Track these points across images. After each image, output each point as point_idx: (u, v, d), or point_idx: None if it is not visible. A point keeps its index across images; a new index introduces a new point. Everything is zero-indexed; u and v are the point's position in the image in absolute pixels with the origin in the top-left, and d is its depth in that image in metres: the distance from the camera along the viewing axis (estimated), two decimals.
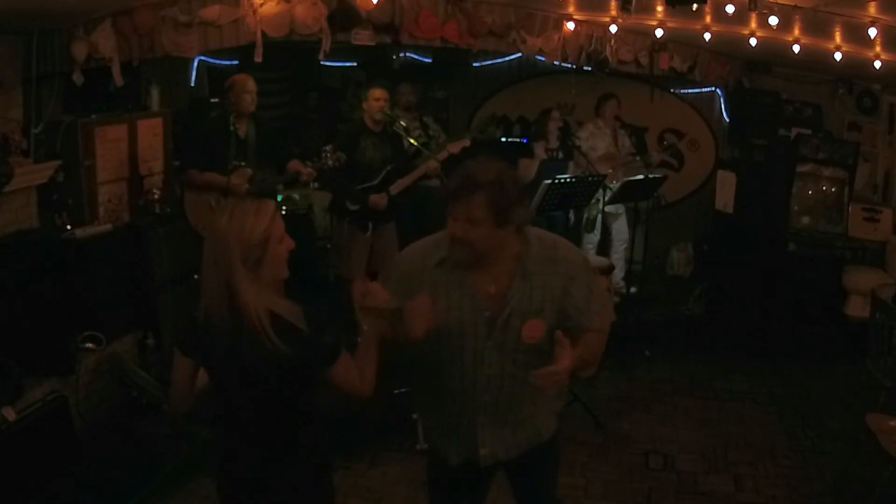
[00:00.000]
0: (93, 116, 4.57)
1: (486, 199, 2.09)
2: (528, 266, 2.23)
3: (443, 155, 5.32)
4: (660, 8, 4.89)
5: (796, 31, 4.80)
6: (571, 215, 6.14)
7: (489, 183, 2.09)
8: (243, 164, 4.85)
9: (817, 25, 4.48)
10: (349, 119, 5.32)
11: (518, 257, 2.24)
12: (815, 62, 5.55)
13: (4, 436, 3.43)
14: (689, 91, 7.08)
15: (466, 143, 5.45)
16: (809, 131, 6.56)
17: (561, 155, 6.00)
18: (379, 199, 5.07)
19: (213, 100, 6.25)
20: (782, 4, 4.24)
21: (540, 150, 5.92)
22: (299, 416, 2.18)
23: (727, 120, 7.09)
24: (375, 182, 5.09)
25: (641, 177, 5.80)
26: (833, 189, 6.31)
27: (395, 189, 5.16)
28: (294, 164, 4.91)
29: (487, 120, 7.61)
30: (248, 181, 4.78)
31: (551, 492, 2.71)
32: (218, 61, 6.13)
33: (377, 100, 5.07)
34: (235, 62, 6.04)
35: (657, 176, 5.96)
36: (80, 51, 4.12)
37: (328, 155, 4.76)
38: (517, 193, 2.15)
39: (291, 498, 2.20)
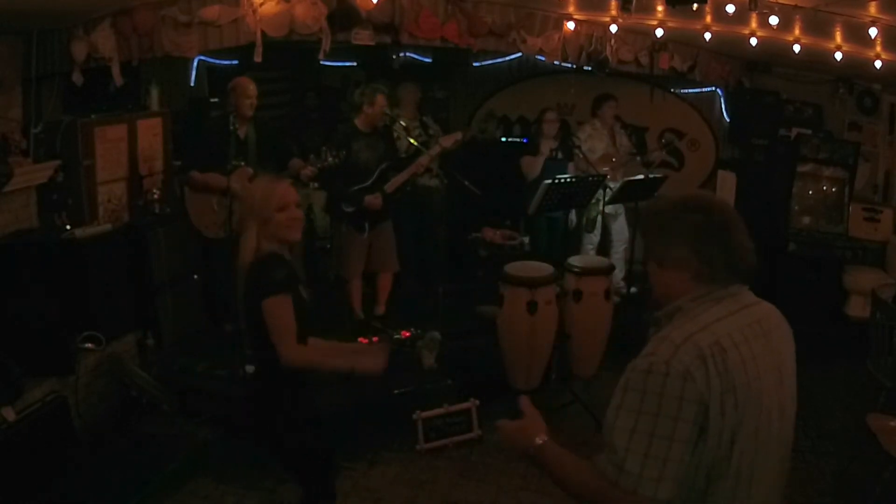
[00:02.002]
0: (92, 116, 4.57)
1: None
2: None
3: (435, 150, 5.32)
4: (660, 8, 4.89)
5: (797, 31, 4.80)
6: (573, 216, 6.14)
7: None
8: (243, 163, 4.86)
9: (818, 25, 4.48)
10: (349, 119, 5.32)
11: None
12: (816, 62, 5.55)
13: (4, 436, 3.43)
14: (690, 91, 7.07)
15: (458, 136, 5.45)
16: (810, 131, 6.56)
17: (560, 155, 5.99)
18: (373, 200, 5.07)
19: (212, 100, 6.24)
20: (783, 4, 4.24)
21: (545, 146, 5.92)
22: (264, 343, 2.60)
23: (727, 120, 7.08)
24: (369, 182, 5.09)
25: (642, 177, 5.80)
26: (833, 189, 6.30)
27: (390, 187, 5.16)
28: (295, 163, 4.92)
29: (486, 117, 7.62)
30: (249, 181, 4.78)
31: None
32: (218, 61, 6.12)
33: (383, 107, 5.11)
34: (235, 62, 6.04)
35: (657, 176, 5.95)
36: (79, 50, 4.12)
37: (327, 153, 4.78)
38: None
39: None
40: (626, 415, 1.56)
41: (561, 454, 1.71)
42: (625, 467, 1.54)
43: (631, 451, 1.54)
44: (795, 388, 1.77)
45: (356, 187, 5.07)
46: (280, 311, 2.56)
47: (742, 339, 1.63)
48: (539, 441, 1.74)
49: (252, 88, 4.88)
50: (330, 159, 4.76)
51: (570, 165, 6.00)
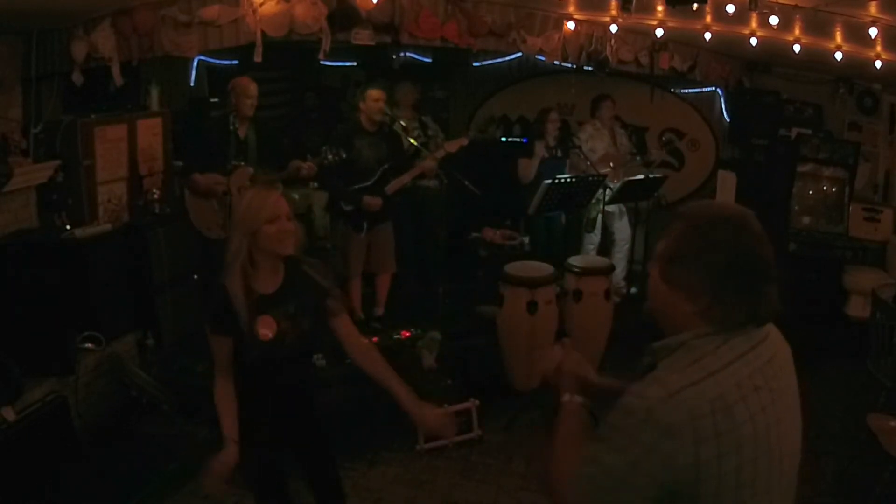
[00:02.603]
0: (92, 116, 4.57)
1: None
2: None
3: (440, 154, 5.31)
4: (660, 7, 4.89)
5: (797, 31, 4.79)
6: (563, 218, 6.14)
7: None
8: (244, 163, 4.86)
9: (818, 25, 4.47)
10: (348, 119, 5.31)
11: None
12: (816, 62, 5.54)
13: (4, 436, 3.43)
14: (690, 91, 7.07)
15: (464, 142, 5.44)
16: (810, 131, 6.56)
17: (559, 153, 5.99)
18: (372, 201, 5.05)
19: (212, 100, 6.25)
20: (783, 4, 4.24)
21: (540, 149, 5.92)
22: None
23: (727, 120, 7.08)
24: (370, 182, 5.08)
25: (642, 177, 5.80)
26: (833, 189, 6.30)
27: (391, 189, 5.15)
28: (295, 163, 4.92)
29: (488, 120, 7.61)
30: (250, 180, 4.79)
31: None
32: (218, 61, 6.12)
33: (376, 100, 5.06)
34: (235, 62, 6.04)
35: (657, 176, 5.96)
36: (79, 50, 4.12)
37: (327, 151, 4.78)
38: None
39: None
40: (595, 446, 1.43)
41: (575, 430, 1.62)
42: (576, 489, 1.44)
43: (585, 478, 1.42)
44: (800, 426, 1.56)
45: (356, 186, 5.06)
46: (213, 347, 2.56)
47: (752, 387, 1.41)
48: (567, 398, 1.70)
49: (252, 88, 4.88)
50: (330, 157, 4.75)
51: (567, 163, 6.00)
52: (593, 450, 1.42)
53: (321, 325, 2.63)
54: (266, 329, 2.50)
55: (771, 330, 1.55)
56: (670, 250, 1.50)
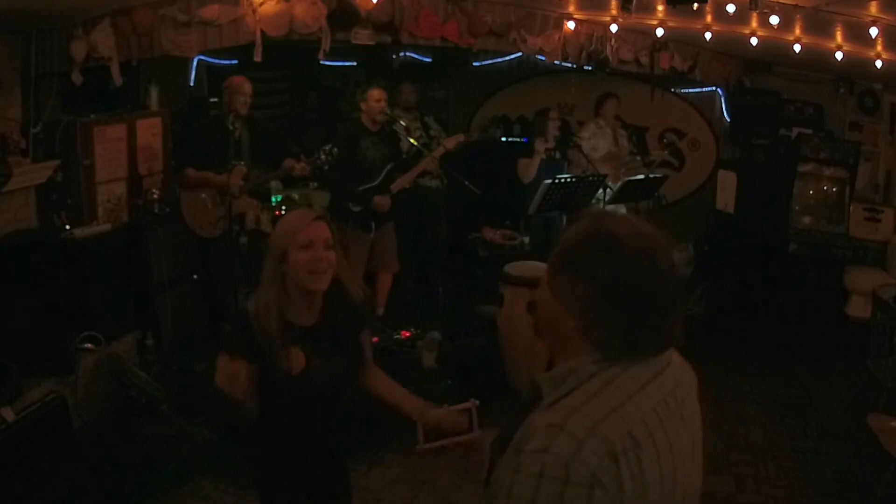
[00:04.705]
0: (92, 116, 4.56)
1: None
2: None
3: (439, 151, 5.31)
4: (660, 7, 4.88)
5: (797, 31, 4.79)
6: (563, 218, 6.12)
7: None
8: (241, 163, 4.86)
9: (818, 25, 4.47)
10: (349, 118, 5.31)
11: None
12: (816, 62, 5.54)
13: (3, 436, 3.42)
14: (690, 91, 7.06)
15: (461, 138, 5.45)
16: (810, 131, 6.55)
17: (558, 155, 5.98)
18: (382, 201, 5.07)
19: (212, 99, 6.24)
20: (783, 4, 4.23)
21: (540, 148, 5.91)
22: None
23: (728, 119, 7.07)
24: (377, 182, 5.09)
25: (642, 177, 5.79)
26: (834, 189, 6.29)
27: (395, 187, 5.17)
28: (288, 162, 4.92)
29: (489, 121, 7.60)
30: (244, 179, 4.79)
31: None
32: (217, 61, 6.11)
33: (377, 100, 5.06)
34: (235, 62, 6.03)
35: (658, 176, 5.95)
36: (78, 50, 4.12)
37: (321, 151, 4.78)
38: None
39: None
40: None
41: None
42: None
43: None
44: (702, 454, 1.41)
45: (364, 187, 5.06)
46: (219, 366, 2.17)
47: (657, 423, 1.25)
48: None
49: (246, 87, 4.88)
50: (322, 157, 4.75)
51: (565, 164, 5.99)
52: None
53: (355, 364, 2.38)
54: (293, 363, 2.23)
55: (674, 357, 1.39)
56: (561, 256, 1.33)
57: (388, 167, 5.12)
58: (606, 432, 1.18)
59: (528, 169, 5.85)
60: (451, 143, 5.36)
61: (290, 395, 2.24)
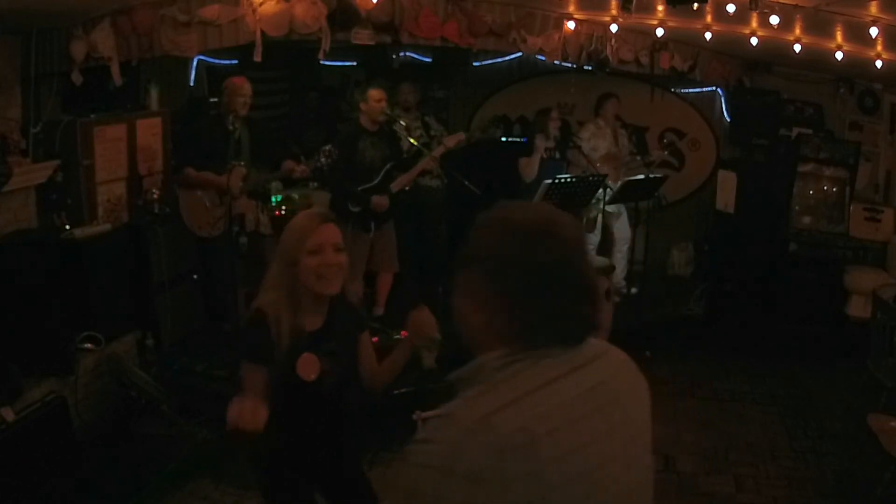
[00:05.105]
0: (92, 116, 4.56)
1: None
2: None
3: (439, 150, 5.31)
4: (660, 7, 4.88)
5: (797, 31, 4.79)
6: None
7: None
8: (241, 163, 4.86)
9: (818, 25, 4.47)
10: (349, 119, 5.30)
11: None
12: (817, 61, 5.54)
13: (3, 436, 3.41)
14: (690, 91, 7.06)
15: (461, 136, 5.44)
16: (810, 131, 6.55)
17: (558, 155, 5.97)
18: (381, 201, 5.06)
19: (212, 99, 6.24)
20: (783, 4, 4.23)
21: (540, 146, 5.90)
22: None
23: (728, 119, 7.07)
24: (375, 182, 5.08)
25: (642, 177, 5.79)
26: (834, 189, 6.29)
27: (395, 187, 5.16)
28: (288, 164, 4.92)
29: (489, 121, 7.60)
30: (243, 180, 4.79)
31: None
32: (217, 61, 6.11)
33: (377, 101, 5.06)
34: (235, 62, 6.03)
35: (658, 176, 5.95)
36: (78, 50, 4.12)
37: (321, 153, 4.78)
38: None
39: None
40: None
41: None
42: None
43: None
44: (651, 461, 1.32)
45: (363, 187, 5.06)
46: (246, 377, 2.19)
47: (566, 420, 1.16)
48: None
49: (246, 88, 4.88)
50: (323, 159, 4.75)
51: (565, 165, 5.98)
52: None
53: (358, 362, 2.42)
54: (308, 369, 2.24)
55: (612, 355, 1.34)
56: (463, 253, 1.28)
57: (387, 167, 5.12)
58: (496, 425, 1.12)
59: (529, 167, 5.85)
60: (451, 141, 5.35)
61: (307, 399, 2.26)
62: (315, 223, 2.23)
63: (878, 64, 4.94)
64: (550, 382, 1.19)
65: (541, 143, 5.87)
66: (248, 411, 1.98)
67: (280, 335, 2.19)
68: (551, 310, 1.21)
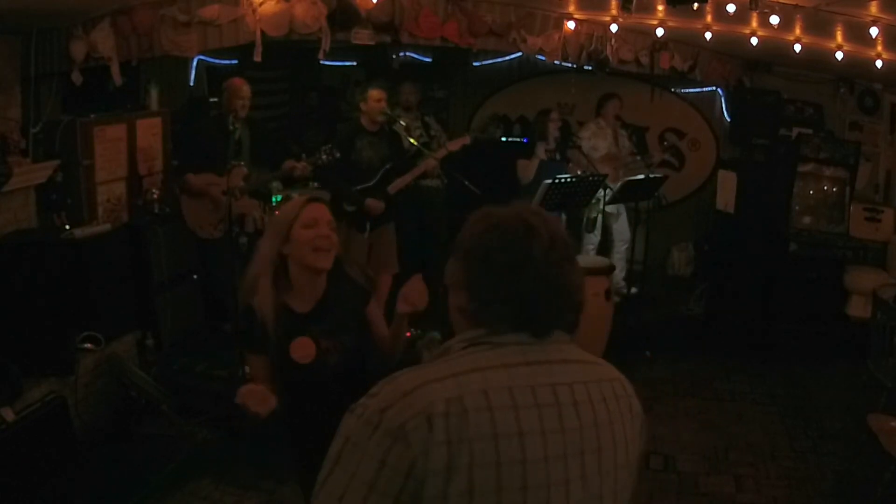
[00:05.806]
0: (91, 116, 4.56)
1: None
2: None
3: (441, 153, 5.29)
4: (660, 7, 4.88)
5: (797, 31, 4.79)
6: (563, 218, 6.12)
7: None
8: (241, 163, 4.86)
9: (818, 25, 4.47)
10: (349, 118, 5.30)
11: None
12: (817, 61, 5.54)
13: (3, 436, 3.42)
14: (690, 90, 7.06)
15: (466, 140, 5.43)
16: (811, 131, 6.54)
17: (558, 156, 5.97)
18: (375, 204, 5.03)
19: (212, 99, 6.24)
20: (783, 4, 4.23)
21: (540, 150, 5.91)
22: None
23: (728, 119, 7.07)
24: (372, 183, 5.07)
25: (642, 177, 5.79)
26: (834, 189, 6.29)
27: (393, 188, 5.14)
28: (289, 163, 4.93)
29: (489, 121, 7.60)
30: (244, 179, 4.79)
31: None
32: (217, 61, 6.11)
33: (377, 101, 5.05)
34: (235, 62, 6.03)
35: (658, 176, 5.95)
36: (78, 50, 4.12)
37: (322, 151, 4.77)
38: None
39: None
40: (327, 462, 1.22)
41: None
42: None
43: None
44: (624, 485, 1.31)
45: (359, 187, 5.05)
46: (251, 365, 2.29)
47: (507, 403, 1.19)
48: None
49: (245, 89, 4.89)
50: (324, 157, 4.75)
51: (566, 163, 5.98)
52: (324, 473, 1.21)
53: (366, 338, 2.39)
54: (302, 352, 2.23)
55: (599, 368, 1.39)
56: (453, 245, 1.37)
57: (385, 168, 5.10)
58: (432, 392, 1.17)
59: (527, 170, 5.85)
60: (455, 145, 5.33)
61: (307, 378, 2.25)
62: (308, 201, 2.29)
63: (879, 64, 4.94)
64: (500, 367, 1.23)
65: (541, 150, 5.88)
66: (257, 393, 2.03)
67: (265, 319, 2.19)
68: (518, 300, 1.26)
